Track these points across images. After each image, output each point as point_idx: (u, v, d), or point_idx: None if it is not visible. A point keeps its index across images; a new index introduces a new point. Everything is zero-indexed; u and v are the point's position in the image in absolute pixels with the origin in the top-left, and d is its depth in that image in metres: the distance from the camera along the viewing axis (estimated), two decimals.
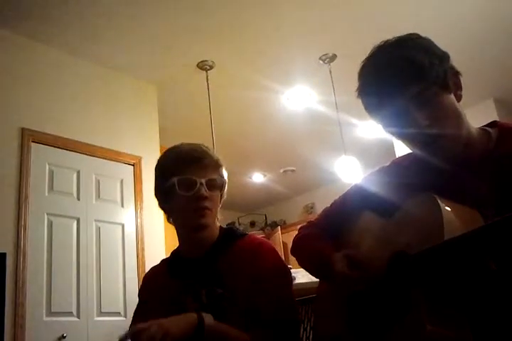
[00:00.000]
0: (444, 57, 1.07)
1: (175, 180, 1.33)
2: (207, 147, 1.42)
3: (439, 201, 0.97)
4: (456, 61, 1.11)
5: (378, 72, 1.08)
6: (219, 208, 1.41)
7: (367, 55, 1.13)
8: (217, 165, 1.40)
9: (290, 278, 1.41)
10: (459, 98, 1.09)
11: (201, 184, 1.32)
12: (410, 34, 1.11)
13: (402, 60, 1.04)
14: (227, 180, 1.42)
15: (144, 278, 1.54)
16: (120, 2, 3.35)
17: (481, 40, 4.09)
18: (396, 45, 1.09)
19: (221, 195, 1.42)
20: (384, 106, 1.08)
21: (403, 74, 1.03)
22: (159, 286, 1.41)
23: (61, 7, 3.34)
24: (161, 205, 1.44)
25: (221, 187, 1.40)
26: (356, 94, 1.14)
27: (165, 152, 1.45)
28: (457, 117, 1.06)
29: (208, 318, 1.16)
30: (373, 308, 1.11)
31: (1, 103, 3.32)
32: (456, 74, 1.10)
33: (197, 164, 1.35)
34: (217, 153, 1.44)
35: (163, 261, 1.52)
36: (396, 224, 1.12)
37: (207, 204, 1.33)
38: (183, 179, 1.33)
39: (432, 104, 1.04)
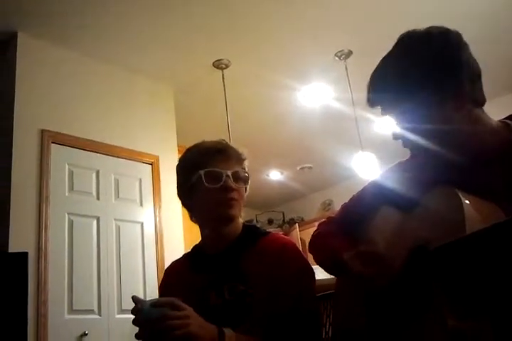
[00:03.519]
0: None
1: (201, 172, 1.32)
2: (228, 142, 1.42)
3: (460, 194, 0.96)
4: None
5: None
6: (243, 203, 1.40)
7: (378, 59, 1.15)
8: (240, 158, 1.39)
9: (314, 282, 1.37)
10: None
11: (227, 176, 1.32)
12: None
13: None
14: (249, 174, 1.41)
15: (165, 272, 1.53)
16: (134, 4, 3.37)
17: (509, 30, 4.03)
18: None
19: (245, 189, 1.40)
20: (402, 104, 1.09)
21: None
22: (181, 281, 1.40)
23: (80, 10, 3.37)
24: (185, 202, 1.43)
25: (245, 180, 1.39)
26: (368, 102, 1.17)
27: (186, 150, 1.45)
28: None
29: (228, 331, 1.14)
30: (392, 305, 1.11)
31: (21, 105, 3.37)
32: None
33: (221, 156, 1.35)
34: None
35: (184, 255, 1.51)
36: (415, 218, 1.11)
37: (234, 195, 1.32)
38: (210, 171, 1.32)
39: None
